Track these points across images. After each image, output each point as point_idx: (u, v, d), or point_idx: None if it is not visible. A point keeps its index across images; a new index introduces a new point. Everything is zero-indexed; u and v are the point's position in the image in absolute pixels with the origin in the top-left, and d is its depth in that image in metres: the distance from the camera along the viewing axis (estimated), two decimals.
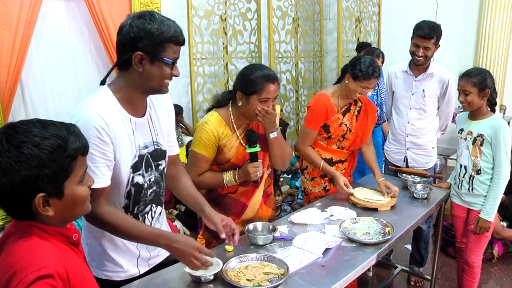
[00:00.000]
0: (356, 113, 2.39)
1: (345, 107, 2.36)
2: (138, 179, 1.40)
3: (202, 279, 1.41)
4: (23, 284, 0.81)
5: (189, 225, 3.60)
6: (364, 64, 2.17)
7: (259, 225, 1.83)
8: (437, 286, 2.78)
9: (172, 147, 1.59)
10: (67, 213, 0.95)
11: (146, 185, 1.43)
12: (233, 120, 1.84)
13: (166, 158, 1.53)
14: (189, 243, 1.33)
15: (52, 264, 0.87)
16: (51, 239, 0.93)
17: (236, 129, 1.85)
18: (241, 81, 1.79)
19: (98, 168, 1.26)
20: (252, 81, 1.74)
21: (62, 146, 0.89)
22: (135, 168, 1.38)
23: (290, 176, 4.62)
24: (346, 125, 2.35)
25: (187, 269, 1.43)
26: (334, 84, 2.44)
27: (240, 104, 1.79)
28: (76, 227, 1.05)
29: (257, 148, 1.82)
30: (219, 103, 1.89)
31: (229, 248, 1.66)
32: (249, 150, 1.82)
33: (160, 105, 1.50)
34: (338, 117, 2.33)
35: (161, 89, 1.35)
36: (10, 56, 2.90)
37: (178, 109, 4.25)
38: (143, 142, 1.41)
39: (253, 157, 1.83)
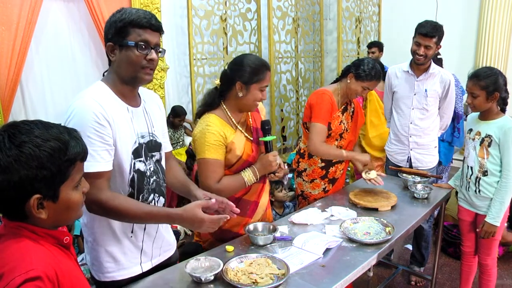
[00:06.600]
0: (351, 114, 2.43)
1: (343, 106, 2.38)
2: (140, 165, 1.41)
3: (202, 279, 1.41)
4: (10, 287, 0.80)
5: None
6: (367, 65, 2.22)
7: (259, 225, 1.82)
8: (437, 286, 2.78)
9: (166, 144, 1.60)
10: (59, 217, 0.95)
11: (148, 173, 1.44)
12: (231, 117, 1.80)
13: (162, 152, 1.54)
14: (192, 209, 1.35)
15: (41, 266, 0.86)
16: (42, 241, 0.93)
17: (237, 124, 1.81)
18: (241, 71, 1.72)
19: (96, 152, 1.27)
20: (254, 70, 1.71)
21: (62, 149, 0.90)
22: (136, 154, 1.40)
23: (291, 175, 4.61)
24: (344, 124, 2.36)
25: (188, 269, 1.43)
26: (332, 83, 2.44)
27: (240, 95, 1.74)
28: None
29: (273, 137, 1.80)
30: (210, 106, 1.82)
31: (229, 248, 1.66)
32: (264, 139, 1.78)
33: (151, 100, 1.54)
34: (339, 115, 2.35)
35: (138, 76, 1.34)
36: (10, 56, 2.90)
37: (181, 110, 4.25)
38: (140, 131, 1.42)
39: (270, 147, 1.79)
